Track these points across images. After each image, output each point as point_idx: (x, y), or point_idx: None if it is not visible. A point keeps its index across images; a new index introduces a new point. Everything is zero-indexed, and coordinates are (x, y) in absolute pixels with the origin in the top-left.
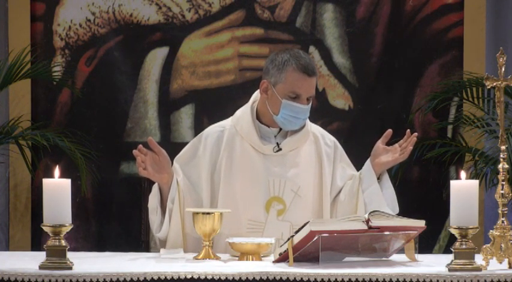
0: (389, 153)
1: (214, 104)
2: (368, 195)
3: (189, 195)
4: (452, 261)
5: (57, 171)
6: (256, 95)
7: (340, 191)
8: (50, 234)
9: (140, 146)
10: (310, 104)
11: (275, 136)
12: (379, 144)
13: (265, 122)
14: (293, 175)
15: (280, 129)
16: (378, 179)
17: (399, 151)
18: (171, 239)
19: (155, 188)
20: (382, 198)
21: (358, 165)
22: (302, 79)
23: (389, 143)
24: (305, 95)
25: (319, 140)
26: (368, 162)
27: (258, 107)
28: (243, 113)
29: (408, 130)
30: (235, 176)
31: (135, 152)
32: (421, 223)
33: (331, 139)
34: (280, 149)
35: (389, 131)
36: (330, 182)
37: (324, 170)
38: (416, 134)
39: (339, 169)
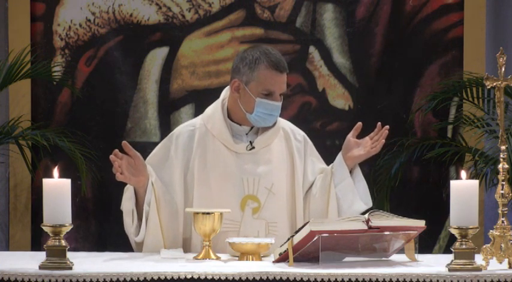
0: (360, 146)
1: None
2: (341, 189)
3: (163, 196)
4: (452, 261)
5: (56, 172)
6: (225, 92)
7: (311, 186)
8: (50, 234)
9: (116, 150)
10: (282, 100)
11: (246, 134)
12: (350, 137)
13: (236, 120)
14: (266, 172)
15: (252, 126)
16: (350, 172)
17: (370, 144)
18: (149, 241)
19: (129, 191)
20: (356, 192)
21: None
22: (275, 76)
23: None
24: (278, 91)
25: (290, 135)
26: (339, 156)
27: (229, 105)
28: (214, 112)
29: (379, 123)
30: (209, 175)
31: (111, 157)
32: (421, 223)
33: (300, 134)
34: (254, 147)
35: (359, 124)
36: (301, 178)
37: (295, 166)
38: (387, 127)
39: (310, 163)
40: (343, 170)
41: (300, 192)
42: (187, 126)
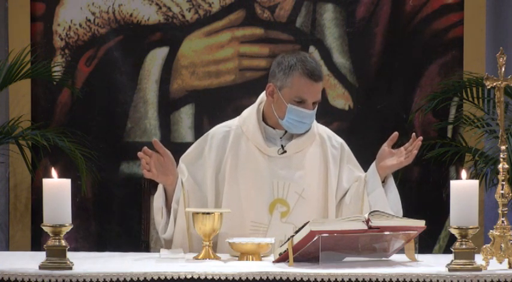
0: (394, 156)
1: (214, 104)
2: (372, 198)
3: (194, 194)
4: (452, 261)
5: (54, 174)
6: (262, 95)
7: (346, 193)
8: (50, 234)
9: (145, 147)
10: (316, 108)
11: (280, 138)
12: (385, 147)
13: (271, 124)
14: (298, 177)
15: (286, 131)
16: (383, 182)
17: (404, 154)
18: (176, 239)
19: (160, 189)
20: (386, 202)
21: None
22: (308, 84)
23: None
24: (311, 100)
25: (326, 141)
26: (373, 165)
27: (264, 109)
28: (250, 114)
29: (414, 134)
30: (240, 177)
31: (140, 154)
32: (421, 223)
33: (338, 141)
34: (285, 152)
35: (396, 133)
36: (335, 185)
37: (329, 173)
38: (421, 138)
39: (346, 171)
40: (375, 179)
41: (332, 199)
42: (223, 127)
